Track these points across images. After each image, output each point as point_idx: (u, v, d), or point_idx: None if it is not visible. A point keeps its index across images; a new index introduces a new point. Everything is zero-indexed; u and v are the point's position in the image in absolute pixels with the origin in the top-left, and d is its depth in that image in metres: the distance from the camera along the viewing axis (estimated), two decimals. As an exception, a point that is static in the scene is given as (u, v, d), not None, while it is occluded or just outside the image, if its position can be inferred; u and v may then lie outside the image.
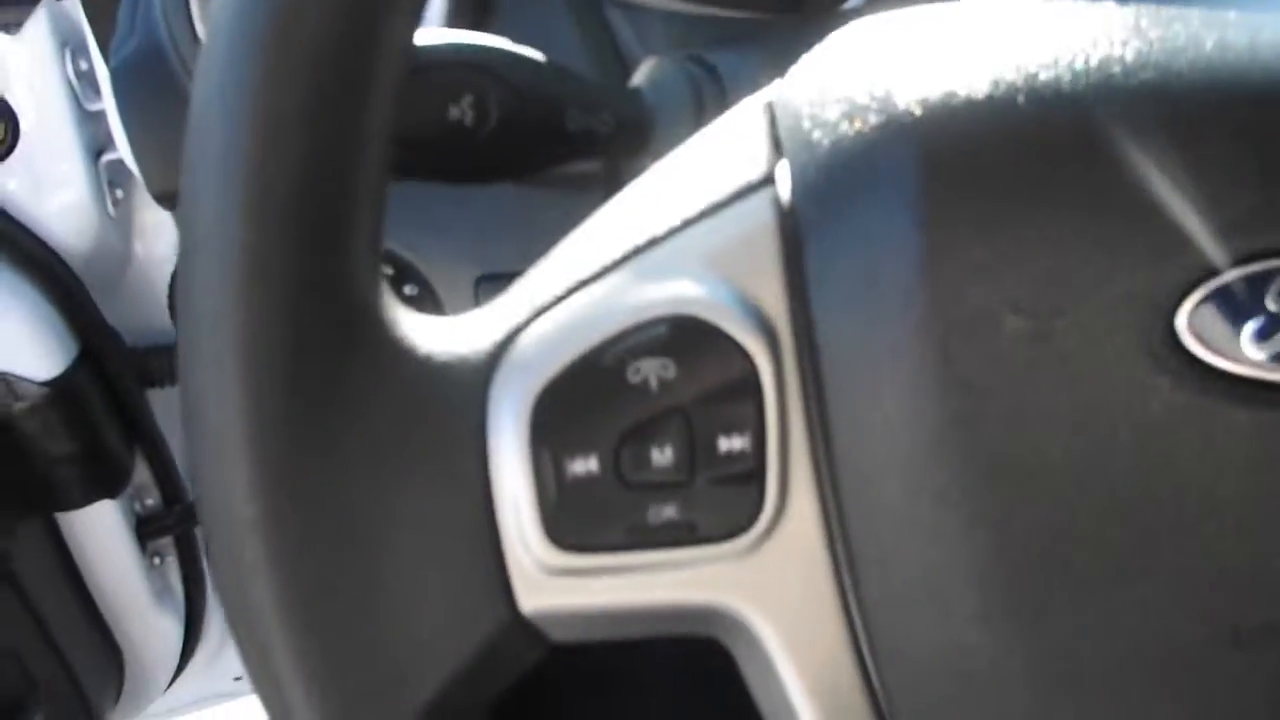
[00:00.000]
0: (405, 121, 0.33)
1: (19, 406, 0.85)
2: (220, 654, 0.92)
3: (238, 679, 0.94)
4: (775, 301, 0.25)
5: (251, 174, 0.23)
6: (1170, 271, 0.24)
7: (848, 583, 0.25)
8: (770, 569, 0.25)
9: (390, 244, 0.44)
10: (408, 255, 0.45)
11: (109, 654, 0.90)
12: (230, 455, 0.23)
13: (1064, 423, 0.24)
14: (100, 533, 0.89)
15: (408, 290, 0.43)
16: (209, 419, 0.24)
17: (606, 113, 0.39)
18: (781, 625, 0.26)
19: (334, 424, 0.24)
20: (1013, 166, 0.24)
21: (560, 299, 0.26)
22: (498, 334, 0.26)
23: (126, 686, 0.93)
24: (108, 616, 0.89)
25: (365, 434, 0.24)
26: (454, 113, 0.36)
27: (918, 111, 0.25)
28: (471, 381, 0.25)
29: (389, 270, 0.43)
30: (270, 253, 0.23)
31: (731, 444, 0.25)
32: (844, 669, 0.26)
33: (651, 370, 0.25)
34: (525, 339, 0.25)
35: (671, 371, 0.25)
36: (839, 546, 0.25)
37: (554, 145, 0.38)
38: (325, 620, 0.24)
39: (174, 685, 0.92)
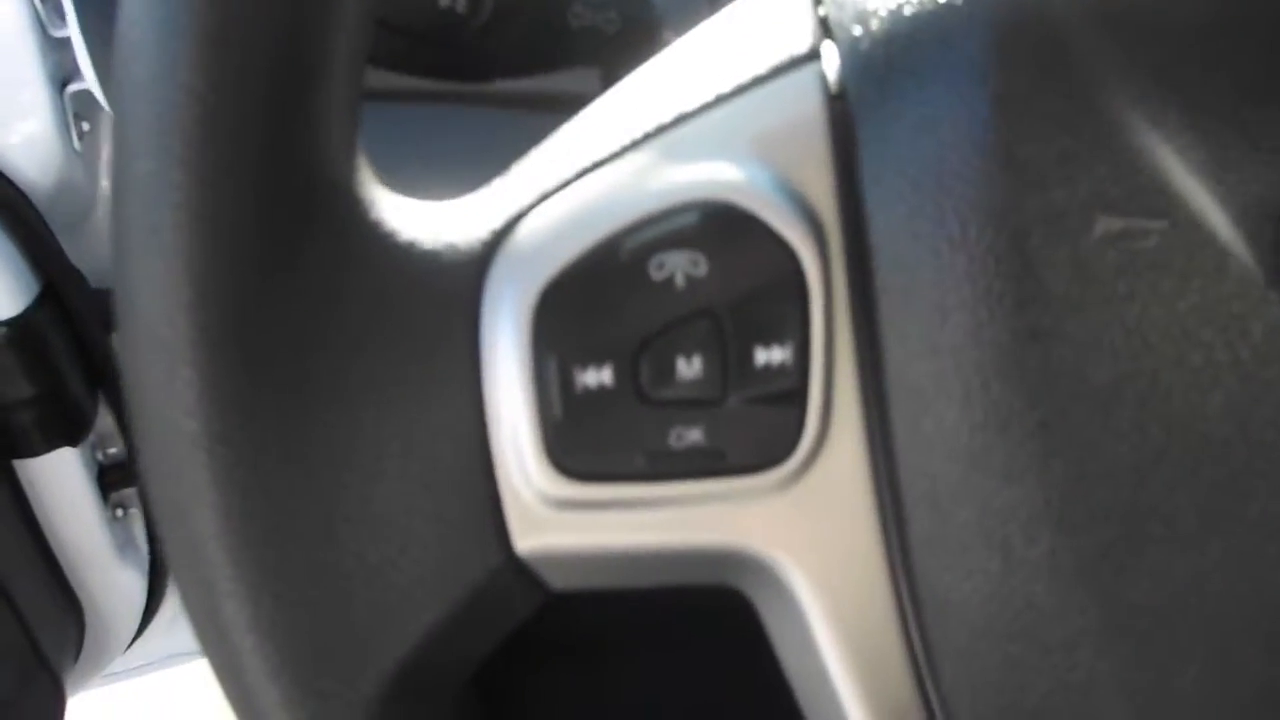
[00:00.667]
0: (394, 7, 0.30)
1: (-26, 347, 0.81)
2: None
3: (205, 638, 0.91)
4: (823, 192, 0.22)
5: (201, 6, 0.19)
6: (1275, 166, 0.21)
7: (894, 524, 0.22)
8: (807, 507, 0.22)
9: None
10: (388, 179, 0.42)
11: (67, 609, 0.87)
12: (168, 356, 0.20)
13: (1156, 343, 0.21)
14: (60, 482, 0.85)
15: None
16: (142, 309, 0.20)
17: (613, 10, 0.35)
18: (816, 573, 0.22)
19: (295, 319, 0.20)
20: (1107, 35, 0.21)
21: (571, 181, 0.22)
22: (496, 220, 0.22)
23: (86, 643, 0.89)
24: (67, 570, 0.86)
25: (332, 332, 0.20)
26: (445, 0, 0.32)
27: None
28: (463, 274, 0.21)
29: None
30: (220, 103, 0.19)
31: (770, 356, 0.21)
32: (886, 625, 0.22)
33: (678, 265, 0.21)
34: (528, 226, 0.22)
35: (702, 267, 0.21)
36: (886, 482, 0.22)
37: (554, 42, 0.34)
38: (281, 559, 0.20)
39: (137, 643, 0.89)
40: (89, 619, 0.84)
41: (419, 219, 0.22)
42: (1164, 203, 0.21)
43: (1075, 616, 0.21)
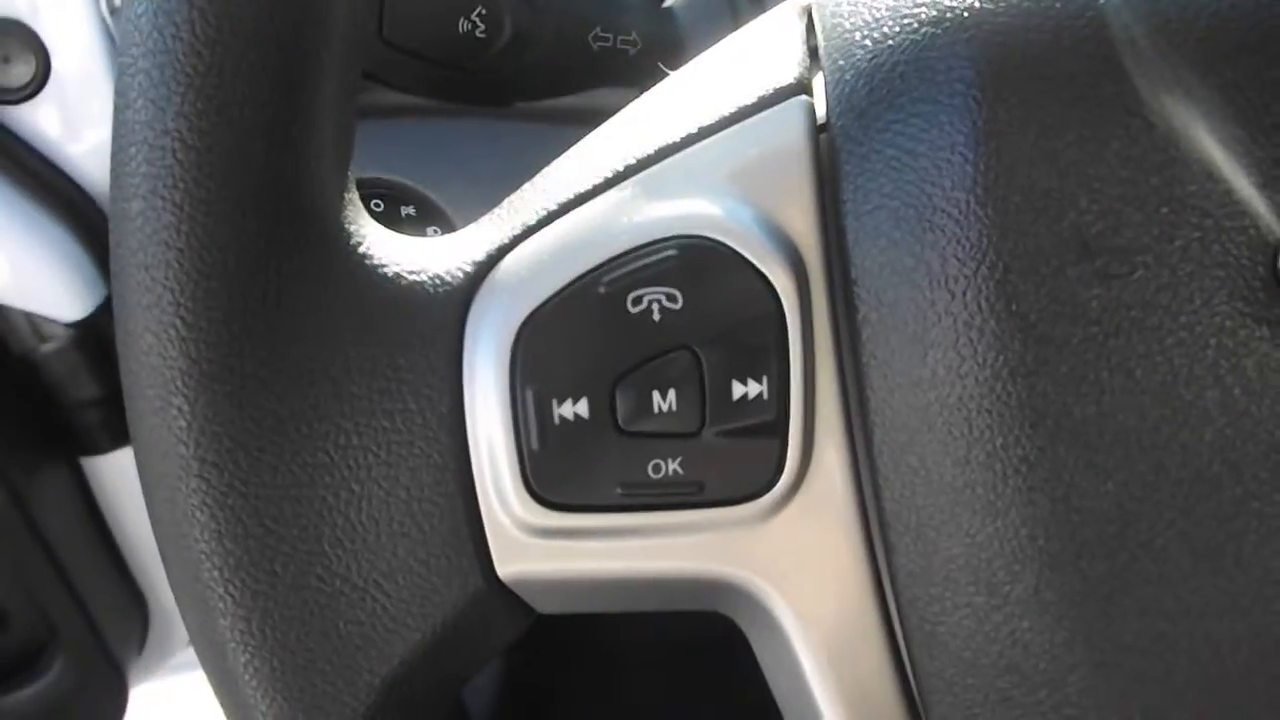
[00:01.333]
0: (412, 32, 0.30)
1: (45, 348, 0.84)
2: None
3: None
4: (804, 227, 0.22)
5: (192, 44, 0.20)
6: (1273, 199, 0.20)
7: (879, 557, 0.22)
8: (789, 538, 0.22)
9: (401, 178, 0.41)
10: (421, 188, 0.42)
11: (132, 603, 0.89)
12: (162, 386, 0.20)
13: (1142, 379, 0.21)
14: (126, 479, 0.87)
15: (405, 211, 0.39)
16: (137, 341, 0.20)
17: (635, 32, 0.35)
18: (801, 604, 0.22)
19: (282, 351, 0.21)
20: (1089, 73, 0.21)
21: (554, 216, 0.22)
22: (479, 253, 0.22)
23: (150, 636, 0.91)
24: (131, 565, 0.88)
25: (318, 363, 0.21)
26: (464, 25, 0.32)
27: (977, 5, 0.21)
28: (446, 307, 0.22)
29: (382, 192, 0.39)
30: (206, 147, 0.20)
31: (747, 390, 0.21)
32: (872, 656, 0.23)
33: (656, 300, 0.21)
34: (511, 260, 0.22)
35: (679, 302, 0.21)
36: (870, 515, 0.22)
37: (575, 65, 0.34)
38: (270, 579, 0.21)
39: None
40: (152, 612, 0.86)
41: (405, 253, 0.22)
42: (1149, 238, 0.20)
43: (1062, 653, 0.21)
